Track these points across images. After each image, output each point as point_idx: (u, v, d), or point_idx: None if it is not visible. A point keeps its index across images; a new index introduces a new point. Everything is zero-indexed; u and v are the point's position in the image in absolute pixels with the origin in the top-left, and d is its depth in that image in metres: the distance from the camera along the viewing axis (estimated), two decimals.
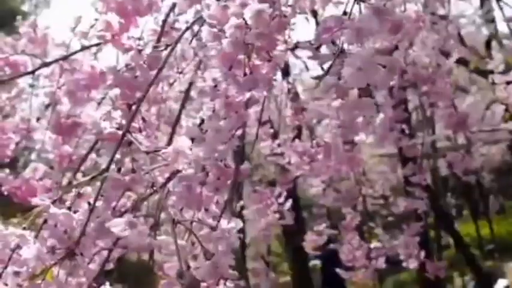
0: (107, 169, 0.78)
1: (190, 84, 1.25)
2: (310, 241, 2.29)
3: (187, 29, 0.92)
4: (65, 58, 1.44)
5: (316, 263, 5.13)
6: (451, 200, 6.20)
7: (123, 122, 0.84)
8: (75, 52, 1.43)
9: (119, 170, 0.78)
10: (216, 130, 0.87)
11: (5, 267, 0.82)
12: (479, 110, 4.60)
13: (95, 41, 1.51)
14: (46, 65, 1.43)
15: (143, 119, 0.87)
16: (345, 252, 2.19)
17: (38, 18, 1.77)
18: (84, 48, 1.45)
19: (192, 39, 1.18)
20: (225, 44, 0.78)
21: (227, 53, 0.84)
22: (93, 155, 1.77)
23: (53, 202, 0.78)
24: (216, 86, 1.01)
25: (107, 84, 1.29)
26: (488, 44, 4.22)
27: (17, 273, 0.84)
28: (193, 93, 1.74)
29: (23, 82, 2.17)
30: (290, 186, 2.10)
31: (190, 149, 0.72)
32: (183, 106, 1.21)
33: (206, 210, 0.91)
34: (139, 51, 0.94)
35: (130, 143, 0.79)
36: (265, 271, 3.86)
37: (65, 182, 1.61)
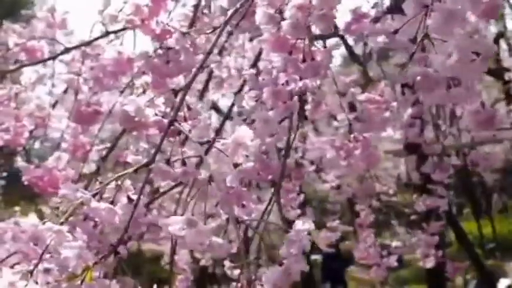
0: (153, 160, 0.70)
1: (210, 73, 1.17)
2: (324, 238, 2.22)
3: (235, 11, 0.84)
4: (87, 44, 1.36)
5: (316, 258, 5.06)
6: (453, 198, 6.13)
7: (167, 110, 0.76)
8: (99, 37, 1.35)
9: (167, 161, 0.70)
10: (264, 121, 0.79)
11: (36, 265, 0.74)
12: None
13: (117, 26, 1.44)
14: (68, 50, 1.35)
15: (188, 107, 0.79)
16: (360, 250, 2.12)
17: (53, 4, 1.69)
18: (108, 33, 1.38)
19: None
20: (284, 27, 0.70)
21: (282, 37, 0.76)
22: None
23: (94, 195, 0.70)
24: (258, 74, 0.94)
25: (135, 71, 1.22)
26: (496, 42, 4.15)
27: (47, 271, 0.76)
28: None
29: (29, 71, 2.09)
30: (302, 181, 2.03)
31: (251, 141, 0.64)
32: (202, 96, 1.12)
33: (243, 206, 0.83)
34: (184, 34, 0.86)
35: (179, 132, 0.71)
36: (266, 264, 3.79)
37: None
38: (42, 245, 0.68)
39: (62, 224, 0.69)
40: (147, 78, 1.14)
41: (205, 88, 1.66)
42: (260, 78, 0.91)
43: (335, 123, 1.70)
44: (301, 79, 0.80)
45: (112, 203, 0.71)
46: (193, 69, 0.97)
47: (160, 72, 0.98)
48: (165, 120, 0.73)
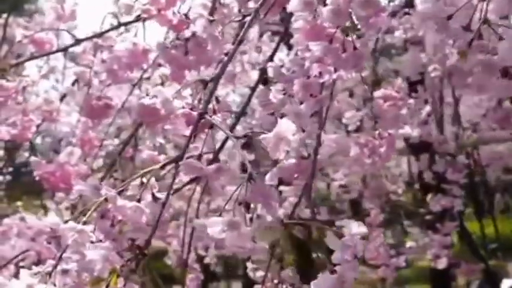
0: (182, 156, 0.64)
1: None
2: None
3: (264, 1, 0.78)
4: (99, 35, 1.30)
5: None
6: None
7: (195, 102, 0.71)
8: (112, 29, 1.30)
9: (198, 157, 0.65)
10: (295, 115, 0.74)
11: (55, 266, 0.69)
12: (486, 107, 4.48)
13: (129, 18, 1.39)
14: (79, 42, 1.29)
15: (217, 100, 0.73)
16: (370, 250, 2.07)
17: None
18: (120, 25, 1.32)
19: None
20: (325, 13, 0.65)
21: (319, 26, 0.71)
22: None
23: (119, 193, 0.64)
24: (281, 66, 0.89)
25: (150, 62, 1.17)
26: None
27: (65, 272, 0.71)
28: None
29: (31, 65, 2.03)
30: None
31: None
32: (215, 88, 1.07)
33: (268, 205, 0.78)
34: (211, 21, 0.81)
35: (211, 126, 0.66)
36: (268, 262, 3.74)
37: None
38: (59, 244, 0.63)
39: (85, 223, 0.64)
40: (165, 70, 1.09)
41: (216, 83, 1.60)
42: (284, 70, 0.86)
43: (344, 121, 1.65)
44: (335, 71, 0.75)
45: (138, 201, 0.66)
46: (217, 59, 0.92)
47: (179, 64, 0.92)
48: (194, 113, 0.68)
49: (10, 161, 2.26)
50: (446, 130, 2.10)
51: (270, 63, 0.89)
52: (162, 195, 0.68)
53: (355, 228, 0.53)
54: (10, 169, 2.43)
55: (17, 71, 1.52)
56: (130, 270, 0.59)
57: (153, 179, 0.70)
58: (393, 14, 1.61)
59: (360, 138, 1.08)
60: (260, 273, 0.96)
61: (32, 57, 1.34)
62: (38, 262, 1.76)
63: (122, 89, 1.43)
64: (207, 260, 2.73)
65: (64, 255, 0.67)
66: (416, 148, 2.31)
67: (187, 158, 0.67)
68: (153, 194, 0.68)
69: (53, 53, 1.33)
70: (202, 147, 0.67)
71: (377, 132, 1.09)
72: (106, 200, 0.65)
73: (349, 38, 0.69)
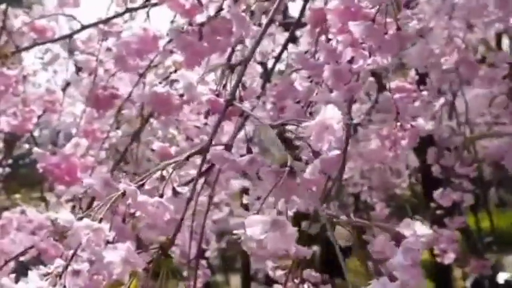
0: (209, 146, 0.57)
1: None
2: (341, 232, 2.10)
3: None
4: (105, 21, 1.23)
5: (314, 249, 4.95)
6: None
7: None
8: (119, 15, 1.22)
9: (226, 147, 0.57)
10: (326, 104, 0.67)
11: (66, 267, 0.62)
12: (482, 102, 4.43)
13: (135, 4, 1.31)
14: (84, 28, 1.21)
15: (243, 86, 0.66)
16: (378, 244, 2.00)
17: None
18: (128, 10, 1.25)
19: None
20: None
21: (356, 5, 0.64)
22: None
23: (139, 187, 0.57)
24: (306, 52, 0.82)
25: (161, 49, 1.09)
26: (499, 36, 4.05)
27: (76, 273, 0.64)
28: None
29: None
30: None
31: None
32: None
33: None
34: (235, 1, 0.74)
35: (242, 114, 0.59)
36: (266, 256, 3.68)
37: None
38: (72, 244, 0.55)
39: (101, 220, 0.56)
40: (177, 57, 1.01)
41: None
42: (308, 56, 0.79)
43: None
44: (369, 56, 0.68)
45: (160, 196, 0.58)
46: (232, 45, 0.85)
47: (193, 50, 0.85)
48: (221, 100, 0.61)
49: (9, 153, 2.18)
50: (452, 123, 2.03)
51: (292, 49, 0.82)
52: (183, 190, 0.61)
53: (420, 229, 0.46)
54: (9, 161, 2.34)
55: (15, 61, 1.45)
56: (152, 273, 0.51)
57: (174, 172, 0.63)
58: (406, 5, 1.54)
59: (381, 130, 1.02)
60: (280, 272, 0.90)
61: (35, 44, 1.26)
62: (38, 257, 1.68)
63: (127, 79, 1.36)
64: (207, 254, 2.67)
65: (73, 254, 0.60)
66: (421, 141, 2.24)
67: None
68: (173, 189, 0.61)
69: (57, 40, 1.25)
70: (233, 135, 0.59)
71: (398, 124, 1.02)
72: (123, 194, 0.58)
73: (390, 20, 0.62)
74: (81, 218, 0.56)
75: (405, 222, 0.46)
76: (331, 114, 0.49)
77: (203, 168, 0.67)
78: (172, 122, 0.92)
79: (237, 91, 0.62)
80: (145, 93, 0.86)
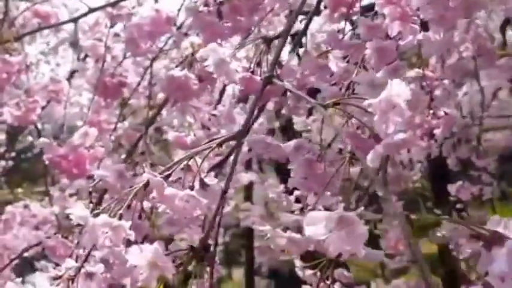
0: (245, 131, 0.48)
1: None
2: None
3: None
4: (113, 4, 1.14)
5: None
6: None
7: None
8: None
9: (270, 132, 0.49)
10: (369, 84, 0.58)
11: (79, 270, 0.53)
12: (486, 95, 4.35)
13: None
14: (92, 11, 1.12)
15: (279, 64, 0.57)
16: (390, 239, 1.92)
17: None
18: None
19: None
20: None
21: None
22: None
23: (165, 178, 0.48)
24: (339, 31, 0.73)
25: (174, 30, 1.00)
26: (503, 28, 3.96)
27: (90, 276, 0.55)
28: None
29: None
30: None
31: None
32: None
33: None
34: None
35: (284, 93, 0.50)
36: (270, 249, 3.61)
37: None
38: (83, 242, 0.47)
39: (121, 217, 0.48)
40: (194, 39, 0.92)
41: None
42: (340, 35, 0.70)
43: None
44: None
45: (191, 188, 0.50)
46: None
47: (213, 31, 0.77)
48: (257, 78, 0.52)
49: (12, 145, 2.09)
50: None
51: (325, 25, 0.73)
52: (212, 181, 0.53)
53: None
54: (12, 154, 2.26)
55: (18, 50, 1.36)
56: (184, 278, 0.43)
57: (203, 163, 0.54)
58: None
59: (413, 117, 0.93)
60: (309, 272, 0.82)
61: (39, 29, 1.17)
62: (42, 252, 1.59)
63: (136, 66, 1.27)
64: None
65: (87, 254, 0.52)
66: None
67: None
68: (201, 180, 0.52)
69: (62, 23, 1.17)
70: (269, 119, 0.50)
71: (431, 111, 0.94)
72: (145, 186, 0.49)
73: None
74: (97, 214, 0.47)
75: (494, 221, 0.37)
76: (398, 91, 0.40)
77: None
78: (189, 109, 0.83)
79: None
80: (161, 78, 0.77)
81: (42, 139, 0.90)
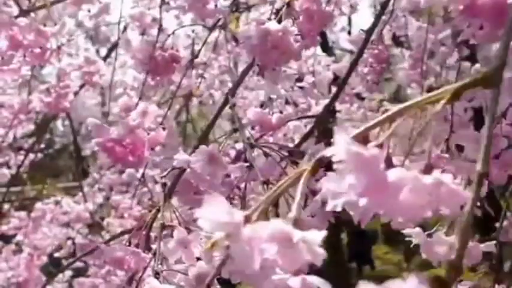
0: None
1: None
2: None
3: None
4: None
5: (342, 237, 4.65)
6: None
7: None
8: None
9: None
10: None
11: None
12: None
13: None
14: None
15: None
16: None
17: None
18: None
19: None
20: None
21: None
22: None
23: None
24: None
25: None
26: None
27: None
28: None
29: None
30: None
31: None
32: None
33: None
34: None
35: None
36: None
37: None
38: None
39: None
40: None
41: None
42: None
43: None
44: None
45: None
46: None
47: None
48: None
49: (41, 136, 1.89)
50: None
51: None
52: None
53: None
54: (42, 146, 2.05)
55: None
56: None
57: None
58: None
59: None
60: None
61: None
62: (74, 252, 1.38)
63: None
64: None
65: None
66: None
67: None
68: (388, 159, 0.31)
69: None
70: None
71: None
72: (313, 173, 0.28)
73: None
74: (247, 219, 0.26)
75: None
76: None
77: None
78: (281, 76, 0.63)
79: None
80: (249, 33, 0.56)
81: (91, 119, 0.69)
